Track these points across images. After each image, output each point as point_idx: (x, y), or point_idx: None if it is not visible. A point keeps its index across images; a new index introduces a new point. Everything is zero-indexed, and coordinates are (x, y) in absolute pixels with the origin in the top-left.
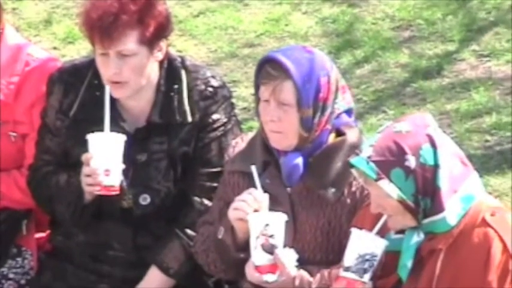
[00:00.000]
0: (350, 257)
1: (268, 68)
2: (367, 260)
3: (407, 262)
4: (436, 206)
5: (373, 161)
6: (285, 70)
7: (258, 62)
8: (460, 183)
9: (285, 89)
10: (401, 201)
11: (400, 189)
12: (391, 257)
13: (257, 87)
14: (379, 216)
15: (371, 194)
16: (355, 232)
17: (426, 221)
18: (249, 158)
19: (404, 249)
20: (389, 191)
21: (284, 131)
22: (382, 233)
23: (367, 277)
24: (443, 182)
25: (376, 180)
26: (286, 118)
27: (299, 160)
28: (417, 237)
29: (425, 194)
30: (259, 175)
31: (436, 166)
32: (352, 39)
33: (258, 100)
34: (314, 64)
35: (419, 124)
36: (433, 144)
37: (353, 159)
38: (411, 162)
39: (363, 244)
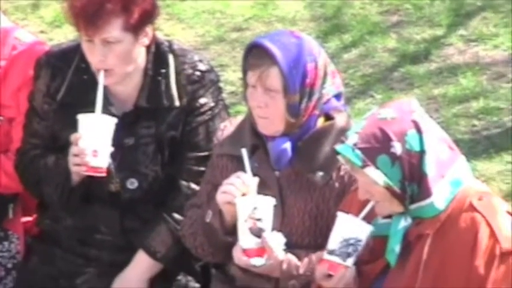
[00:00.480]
0: (334, 240)
1: (255, 54)
2: (351, 244)
3: (395, 247)
4: (423, 192)
5: (359, 148)
6: (271, 56)
7: (245, 48)
8: (447, 168)
9: (271, 75)
10: (388, 188)
11: (386, 175)
12: (379, 242)
13: (245, 73)
14: (366, 201)
15: (358, 180)
16: (341, 216)
17: (413, 206)
18: (238, 142)
19: (391, 234)
20: (375, 178)
21: (271, 116)
22: (369, 218)
23: (350, 261)
24: (430, 167)
25: (362, 167)
26: (273, 104)
27: (287, 145)
28: (404, 222)
29: (411, 179)
30: (248, 159)
31: (421, 152)
32: (340, 24)
33: (245, 85)
34: (301, 50)
35: (405, 110)
36: (419, 130)
37: (339, 147)
38: (397, 148)
39: (348, 228)
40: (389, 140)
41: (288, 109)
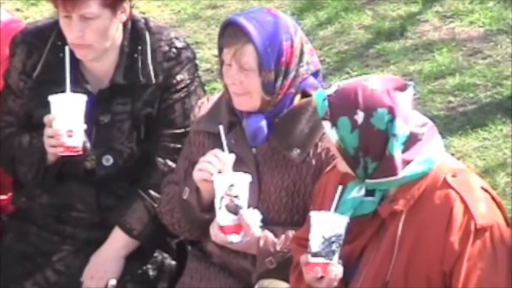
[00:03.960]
0: (315, 242)
1: (230, 32)
2: (333, 242)
3: (343, 213)
4: (386, 170)
5: (329, 101)
6: (246, 34)
7: (221, 25)
8: (419, 151)
9: (246, 53)
10: (339, 150)
11: (342, 138)
12: (355, 222)
13: (220, 50)
14: (341, 181)
15: None
16: (314, 216)
17: (372, 181)
18: (215, 119)
19: (341, 202)
20: (329, 134)
21: (246, 93)
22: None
23: (336, 257)
24: (397, 150)
25: (322, 119)
26: (248, 81)
27: (263, 123)
28: (356, 193)
29: (367, 153)
30: (225, 135)
31: (387, 133)
32: (315, 1)
33: (221, 62)
34: (277, 28)
35: (390, 88)
36: (392, 113)
37: (317, 91)
38: (359, 117)
39: (326, 227)
40: (357, 106)
41: (263, 87)
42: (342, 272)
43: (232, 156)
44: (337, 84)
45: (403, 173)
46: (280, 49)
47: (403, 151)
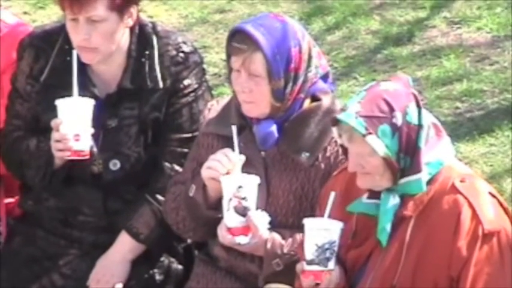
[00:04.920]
0: (309, 250)
1: (238, 39)
2: (327, 249)
3: (386, 225)
4: (415, 166)
5: (362, 116)
6: (255, 41)
7: (229, 33)
8: (433, 147)
9: (255, 61)
10: (386, 159)
11: (386, 146)
12: (364, 222)
13: (228, 57)
14: (349, 185)
15: (351, 152)
16: (307, 223)
17: (403, 181)
18: (224, 122)
19: (382, 213)
20: (376, 147)
21: (256, 101)
22: (349, 198)
23: (331, 264)
24: (423, 142)
25: (364, 135)
26: (258, 89)
27: (273, 128)
28: (393, 200)
29: (406, 152)
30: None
31: (419, 126)
32: (323, 5)
33: (229, 69)
34: (285, 35)
35: (405, 84)
36: (418, 104)
37: (340, 115)
38: (398, 119)
39: (319, 234)
40: (392, 110)
41: (272, 94)
42: (338, 278)
43: (243, 158)
44: (352, 102)
45: (424, 171)
46: (289, 55)
47: (425, 142)
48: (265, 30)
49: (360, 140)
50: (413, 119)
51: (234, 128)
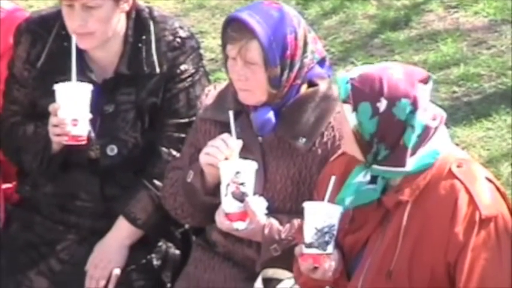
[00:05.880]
0: (309, 233)
1: (234, 28)
2: (326, 232)
3: (345, 197)
4: (396, 160)
5: (352, 84)
6: (251, 30)
7: (224, 21)
8: (427, 142)
9: (251, 49)
10: (355, 133)
11: (361, 123)
12: (361, 212)
13: (224, 46)
14: (346, 171)
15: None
16: (307, 207)
17: (381, 168)
18: (221, 107)
19: (346, 185)
20: (348, 118)
21: (252, 89)
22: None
23: (330, 248)
24: (412, 141)
25: (343, 101)
26: (254, 77)
27: (270, 114)
28: (362, 178)
29: (382, 140)
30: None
31: (406, 124)
32: None
33: (226, 57)
34: (281, 22)
35: (414, 79)
36: (414, 105)
37: (340, 74)
38: (382, 105)
39: (319, 218)
40: (381, 94)
41: (269, 81)
42: (337, 262)
43: (240, 143)
44: (360, 68)
45: (410, 164)
46: (285, 43)
47: (416, 143)
48: (261, 18)
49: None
50: (400, 114)
51: (231, 114)
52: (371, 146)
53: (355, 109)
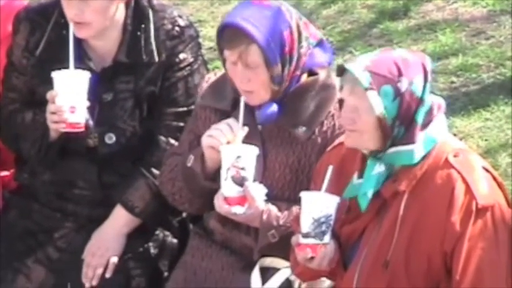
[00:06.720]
0: (306, 223)
1: (230, 35)
2: (323, 222)
3: (367, 191)
4: (408, 137)
5: (369, 71)
6: (248, 35)
7: (218, 27)
8: (429, 123)
9: (251, 53)
10: (381, 120)
11: (385, 107)
12: (354, 201)
13: (221, 51)
14: (343, 161)
15: (348, 105)
16: (304, 196)
17: (392, 149)
18: (220, 95)
19: (365, 178)
20: (374, 104)
21: (256, 89)
22: (346, 174)
23: (327, 238)
24: (421, 117)
25: (367, 89)
26: (257, 78)
27: (274, 107)
28: (379, 168)
29: (402, 121)
30: (230, 112)
31: (421, 99)
32: None
33: (223, 59)
34: (275, 20)
35: (419, 56)
36: (426, 79)
37: (348, 64)
38: (403, 84)
39: (316, 208)
40: (400, 74)
41: (272, 80)
42: (332, 252)
43: (245, 129)
44: (364, 56)
45: (420, 141)
46: (282, 40)
47: (424, 120)
48: (255, 20)
49: (361, 93)
50: (418, 91)
51: (242, 100)
52: (392, 129)
53: (379, 93)
